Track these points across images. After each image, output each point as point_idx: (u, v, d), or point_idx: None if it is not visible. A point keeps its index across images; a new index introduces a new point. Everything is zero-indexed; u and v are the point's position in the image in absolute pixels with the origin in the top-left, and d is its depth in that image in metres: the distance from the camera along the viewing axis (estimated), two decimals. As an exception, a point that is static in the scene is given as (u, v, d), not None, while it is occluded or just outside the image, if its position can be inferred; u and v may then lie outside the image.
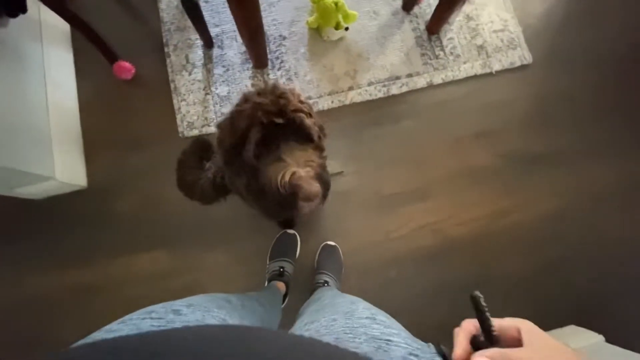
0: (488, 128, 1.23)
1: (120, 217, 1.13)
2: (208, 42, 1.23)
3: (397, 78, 1.25)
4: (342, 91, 1.24)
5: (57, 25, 1.18)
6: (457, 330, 0.30)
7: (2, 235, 1.11)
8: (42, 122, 1.04)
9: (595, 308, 1.11)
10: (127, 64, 1.19)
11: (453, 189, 1.18)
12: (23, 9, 0.99)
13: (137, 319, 0.33)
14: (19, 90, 0.97)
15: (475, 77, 1.28)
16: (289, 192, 0.51)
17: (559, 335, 1.01)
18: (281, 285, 1.00)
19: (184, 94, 1.22)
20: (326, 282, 1.01)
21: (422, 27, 1.30)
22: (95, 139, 1.19)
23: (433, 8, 1.22)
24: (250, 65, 1.24)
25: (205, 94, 1.22)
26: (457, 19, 1.31)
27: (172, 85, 1.22)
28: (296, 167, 0.51)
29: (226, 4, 0.90)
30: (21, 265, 1.10)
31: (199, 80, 1.23)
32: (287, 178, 0.50)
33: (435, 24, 1.26)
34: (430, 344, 0.34)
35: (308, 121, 0.56)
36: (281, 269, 1.04)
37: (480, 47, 1.30)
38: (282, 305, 1.01)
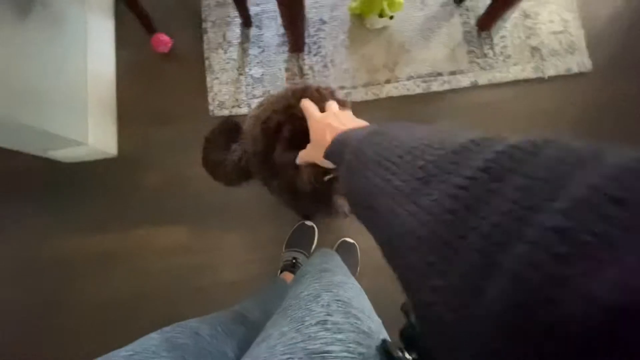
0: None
1: (144, 189, 1.15)
2: (247, 21, 1.20)
3: (439, 74, 1.18)
4: (379, 83, 1.18)
5: (101, -8, 1.19)
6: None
7: (30, 195, 1.15)
8: (80, 89, 1.05)
9: None
10: (165, 37, 1.19)
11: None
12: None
13: None
14: (60, 55, 0.98)
15: (524, 81, 1.18)
16: (324, 190, 0.50)
17: None
18: (290, 278, 0.98)
19: (218, 73, 1.20)
20: None
21: (473, 21, 1.21)
22: (128, 109, 1.20)
23: (487, 1, 1.13)
24: (287, 49, 1.20)
25: (239, 74, 1.20)
26: (513, 15, 1.21)
27: (206, 63, 1.21)
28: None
29: (269, -19, 0.86)
30: (45, 225, 1.13)
31: (234, 60, 1.21)
32: (321, 177, 0.49)
33: (488, 20, 1.17)
34: (384, 339, 0.35)
35: None
36: (294, 260, 1.02)
37: (535, 49, 1.19)
38: None
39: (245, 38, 1.22)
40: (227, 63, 1.21)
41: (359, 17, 1.21)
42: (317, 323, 0.36)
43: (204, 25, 1.23)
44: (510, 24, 1.21)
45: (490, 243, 0.14)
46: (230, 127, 0.92)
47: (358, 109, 0.79)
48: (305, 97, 0.56)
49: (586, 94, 1.18)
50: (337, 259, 0.70)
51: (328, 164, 0.46)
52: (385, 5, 1.11)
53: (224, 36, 1.22)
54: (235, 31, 1.23)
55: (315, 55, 1.20)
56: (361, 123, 0.45)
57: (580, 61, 1.18)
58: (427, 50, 1.20)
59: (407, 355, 0.32)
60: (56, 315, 1.09)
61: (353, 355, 0.31)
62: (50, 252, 1.12)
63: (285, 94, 0.60)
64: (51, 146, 1.03)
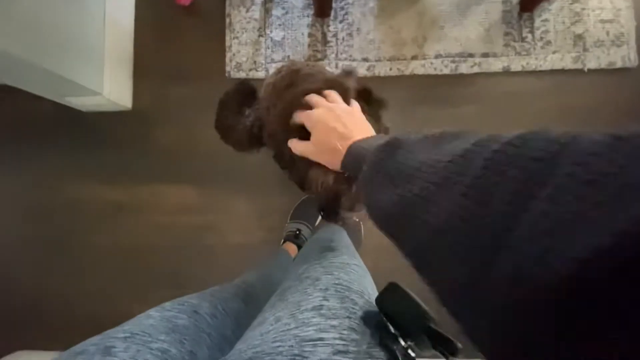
0: (560, 133, 1.08)
1: (156, 145, 1.15)
2: (272, -21, 1.13)
3: (470, 56, 1.11)
4: (405, 59, 1.12)
5: None
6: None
7: (49, 138, 1.17)
8: (98, 38, 1.03)
9: None
10: (187, -12, 1.14)
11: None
12: None
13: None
14: (79, 1, 0.95)
15: (562, 71, 1.10)
16: (330, 197, 0.51)
17: None
18: (292, 249, 0.99)
19: (238, 32, 1.16)
20: None
21: (515, 0, 1.11)
22: (145, 63, 1.17)
23: (535, -21, 1.03)
24: (312, 12, 1.14)
25: (259, 35, 1.15)
26: (561, -3, 1.11)
27: (227, 20, 1.16)
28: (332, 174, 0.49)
29: None
30: (60, 169, 1.16)
31: (255, 20, 1.15)
32: (328, 183, 0.49)
33: (532, 0, 1.07)
34: (380, 333, 0.35)
35: None
36: (298, 231, 1.02)
37: (579, 37, 1.10)
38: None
39: (269, -3, 1.16)
40: (248, 22, 1.16)
41: (392, -15, 1.13)
42: (313, 308, 0.36)
43: (227, -21, 1.17)
44: (555, 7, 1.11)
45: (498, 227, 0.17)
46: (245, 91, 0.89)
47: (378, 85, 0.75)
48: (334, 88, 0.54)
49: (627, 92, 1.09)
50: (344, 236, 0.69)
51: (332, 166, 0.47)
52: (422, -27, 1.03)
53: (247, -7, 1.16)
54: (259, -12, 1.16)
55: (341, 22, 1.14)
56: (363, 126, 0.48)
57: (626, 55, 1.09)
58: (461, 27, 1.12)
59: (402, 342, 0.32)
60: (62, 254, 1.14)
61: (346, 342, 0.31)
62: (62, 195, 1.15)
63: (317, 76, 0.58)
64: (67, 92, 1.03)
